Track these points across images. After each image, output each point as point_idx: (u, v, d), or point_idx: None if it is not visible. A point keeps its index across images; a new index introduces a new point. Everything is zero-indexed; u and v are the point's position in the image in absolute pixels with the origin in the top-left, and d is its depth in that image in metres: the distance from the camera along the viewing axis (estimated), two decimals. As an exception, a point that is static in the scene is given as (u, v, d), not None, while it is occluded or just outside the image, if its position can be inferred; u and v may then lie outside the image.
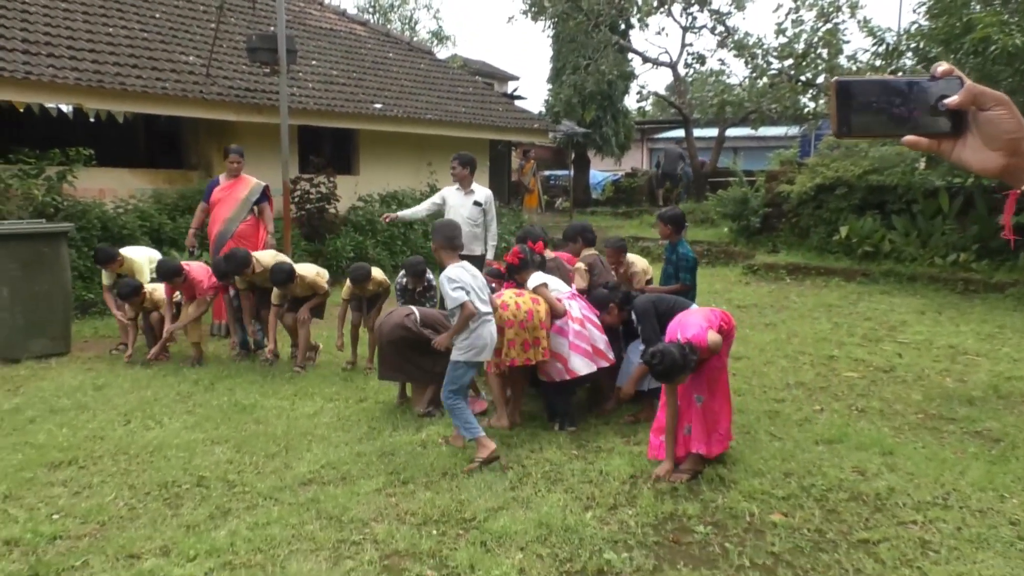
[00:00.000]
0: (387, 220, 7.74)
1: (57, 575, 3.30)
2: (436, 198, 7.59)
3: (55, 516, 3.85)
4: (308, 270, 6.96)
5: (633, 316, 5.14)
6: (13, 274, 7.04)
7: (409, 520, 3.81)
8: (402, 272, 6.43)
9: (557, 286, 5.30)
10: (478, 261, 7.37)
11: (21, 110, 8.80)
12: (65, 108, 8.97)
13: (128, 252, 7.47)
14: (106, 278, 7.35)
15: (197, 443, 4.87)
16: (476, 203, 7.26)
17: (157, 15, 12.16)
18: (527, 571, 3.33)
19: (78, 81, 9.11)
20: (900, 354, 7.20)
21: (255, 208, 8.19)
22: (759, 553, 3.53)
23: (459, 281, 4.54)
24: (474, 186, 7.35)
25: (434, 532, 3.69)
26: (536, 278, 5.20)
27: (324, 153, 13.01)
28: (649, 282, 6.75)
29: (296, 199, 11.53)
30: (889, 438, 4.97)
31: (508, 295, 5.15)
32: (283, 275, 6.51)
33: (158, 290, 7.04)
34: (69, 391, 6.01)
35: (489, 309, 4.72)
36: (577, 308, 5.24)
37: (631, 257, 6.45)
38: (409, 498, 4.07)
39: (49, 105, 8.85)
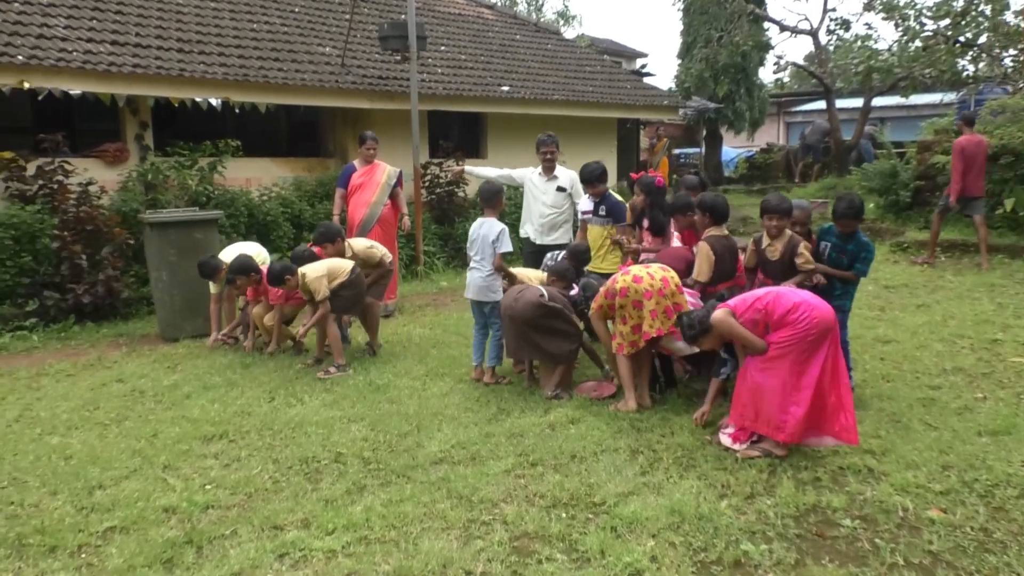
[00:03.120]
0: (456, 172, 8.48)
1: (209, 542, 3.49)
2: (515, 173, 7.40)
3: (208, 487, 4.09)
4: (359, 244, 6.91)
5: None
6: (171, 259, 7.56)
7: (538, 502, 3.79)
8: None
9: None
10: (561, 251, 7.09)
11: (176, 105, 9.40)
12: (215, 102, 9.48)
13: (226, 256, 7.18)
14: (213, 288, 7.21)
15: (335, 420, 5.04)
16: (560, 188, 7.03)
17: (296, 9, 12.68)
18: (659, 559, 3.23)
19: (225, 76, 9.65)
20: (1076, 338, 6.51)
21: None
22: (914, 551, 3.27)
23: (469, 234, 5.96)
24: (558, 170, 7.12)
25: (563, 515, 3.65)
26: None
27: (453, 137, 13.19)
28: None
29: (426, 183, 11.76)
30: (1065, 431, 4.50)
31: (637, 268, 5.04)
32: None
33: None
34: (220, 369, 6.39)
35: (476, 259, 5.86)
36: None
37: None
38: (538, 480, 4.05)
39: (200, 99, 9.39)
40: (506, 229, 5.80)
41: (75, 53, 8.56)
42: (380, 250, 6.93)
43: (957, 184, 10.02)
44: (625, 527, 3.50)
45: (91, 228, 8.19)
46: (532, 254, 7.10)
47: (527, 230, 7.31)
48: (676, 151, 24.33)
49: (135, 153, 9.70)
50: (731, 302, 4.43)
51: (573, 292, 5.67)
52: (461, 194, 12.17)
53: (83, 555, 3.43)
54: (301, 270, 6.21)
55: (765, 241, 5.17)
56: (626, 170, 16.48)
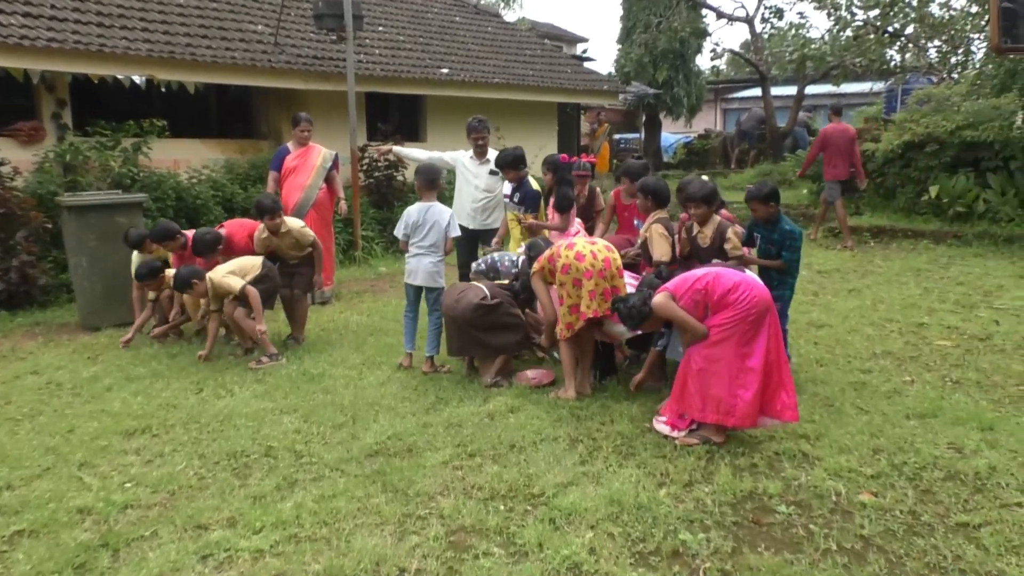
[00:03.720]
0: (382, 152, 8.60)
1: (127, 544, 3.31)
2: (447, 156, 7.31)
3: (127, 485, 3.89)
4: (294, 223, 6.55)
5: None
6: (91, 244, 7.21)
7: (476, 495, 3.71)
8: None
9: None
10: (493, 236, 7.04)
11: (96, 82, 8.95)
12: (138, 80, 9.05)
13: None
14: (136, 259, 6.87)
15: (266, 412, 4.87)
16: (493, 172, 6.95)
17: (226, -15, 12.20)
18: (598, 551, 3.18)
19: (150, 53, 9.22)
20: (997, 321, 6.73)
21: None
22: (847, 536, 3.30)
23: (406, 217, 5.78)
24: (490, 153, 7.04)
25: (501, 508, 3.57)
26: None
27: (392, 120, 12.94)
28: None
29: (364, 167, 11.51)
30: (988, 412, 4.63)
31: (581, 244, 4.96)
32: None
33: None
34: (145, 359, 6.12)
35: (423, 245, 5.71)
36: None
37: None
38: (476, 471, 3.97)
39: (122, 77, 8.95)
40: (453, 213, 5.85)
41: (-16, 25, 8.05)
42: (311, 234, 6.64)
43: (828, 168, 10.99)
44: (564, 519, 3.45)
45: (3, 211, 7.75)
46: (466, 240, 6.94)
47: (459, 215, 7.16)
48: (616, 136, 24.48)
49: (52, 132, 9.20)
50: (669, 284, 4.40)
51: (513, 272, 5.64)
52: (400, 178, 11.94)
53: (-12, 562, 3.21)
54: (208, 275, 5.97)
55: (695, 228, 5.16)
56: (567, 153, 16.47)
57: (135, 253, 6.90)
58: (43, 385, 5.58)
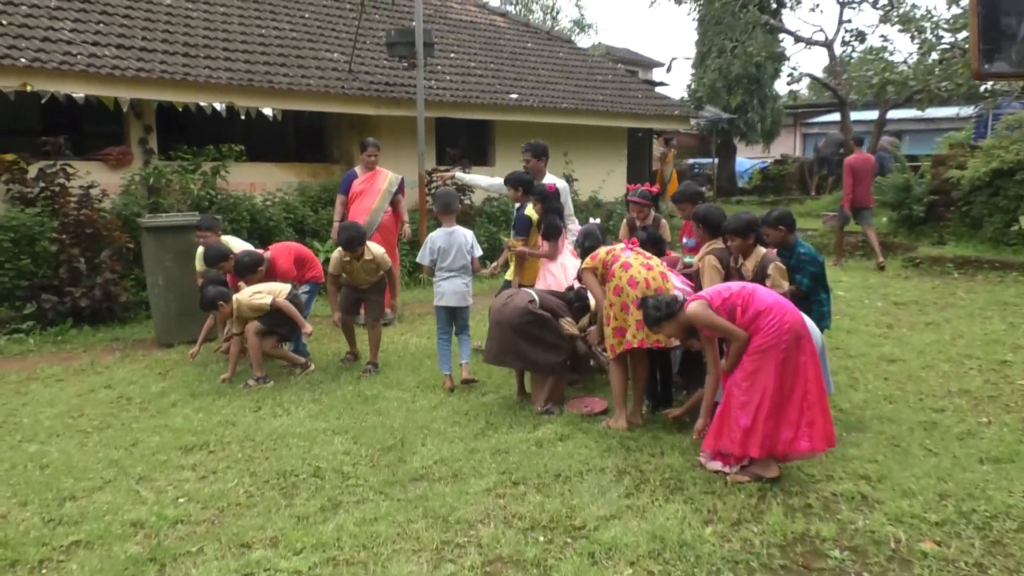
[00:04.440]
0: (444, 179, 8.56)
1: (173, 560, 3.39)
2: (497, 181, 7.31)
3: (180, 500, 4.00)
4: (378, 249, 6.44)
5: None
6: (167, 264, 7.51)
7: (516, 524, 3.66)
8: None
9: None
10: None
11: (180, 109, 9.38)
12: (218, 107, 9.46)
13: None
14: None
15: (318, 432, 4.94)
16: None
17: (306, 15, 12.67)
18: (635, 589, 3.10)
19: (230, 80, 9.62)
20: (1089, 361, 6.31)
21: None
22: (904, 587, 3.11)
23: (431, 243, 6.00)
24: (548, 177, 7.04)
25: (541, 539, 3.52)
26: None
27: (461, 145, 13.12)
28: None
29: (432, 191, 11.66)
30: (1072, 459, 4.32)
31: (636, 267, 4.84)
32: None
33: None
34: (211, 376, 6.31)
35: (453, 268, 5.93)
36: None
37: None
38: (519, 500, 3.92)
39: (204, 104, 9.36)
40: (473, 234, 6.17)
41: (79, 56, 8.55)
42: (390, 260, 6.60)
43: (848, 196, 11.58)
44: (603, 553, 3.37)
45: (91, 231, 8.17)
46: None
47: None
48: (690, 161, 24.22)
49: (139, 157, 9.69)
50: (704, 293, 4.26)
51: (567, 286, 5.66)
52: (467, 202, 12.08)
53: (44, 570, 3.33)
54: (236, 297, 6.09)
55: (740, 260, 5.02)
56: (637, 179, 16.35)
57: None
58: (115, 399, 5.81)
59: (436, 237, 6.03)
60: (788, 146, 30.57)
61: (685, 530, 3.54)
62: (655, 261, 5.04)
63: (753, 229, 4.90)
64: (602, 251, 5.07)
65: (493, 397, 5.71)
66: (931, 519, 3.64)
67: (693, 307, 4.19)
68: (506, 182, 6.84)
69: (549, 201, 6.37)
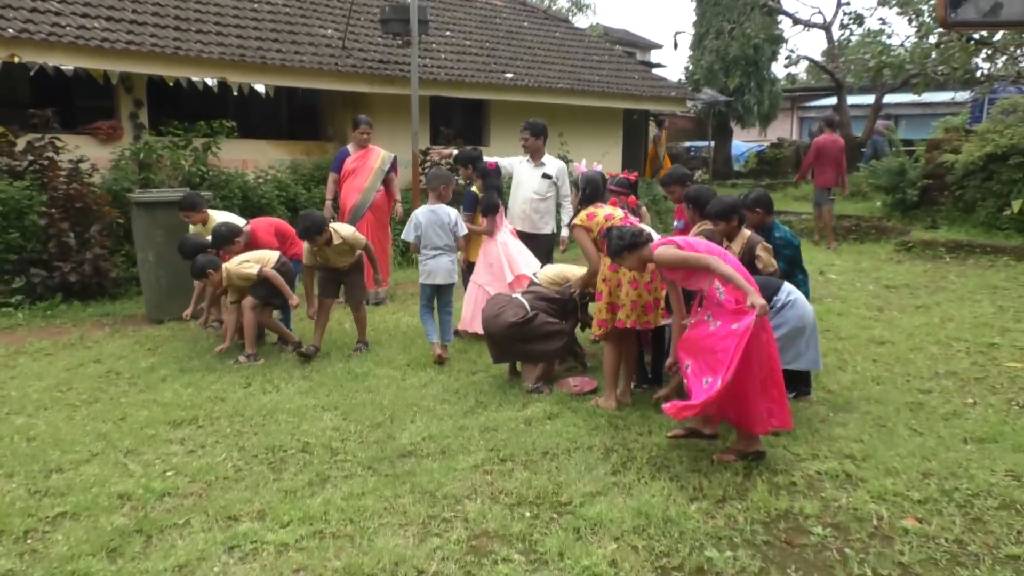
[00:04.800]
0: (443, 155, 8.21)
1: (159, 531, 3.40)
2: (503, 162, 7.24)
3: (168, 473, 4.00)
4: (346, 229, 6.25)
5: None
6: (158, 240, 7.47)
7: (503, 500, 3.68)
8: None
9: None
10: (547, 240, 7.09)
11: (171, 84, 9.29)
12: (210, 82, 9.37)
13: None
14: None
15: (308, 409, 4.95)
16: (545, 175, 6.93)
17: (300, -10, 12.53)
18: (619, 563, 3.12)
19: (222, 56, 9.53)
20: (1077, 345, 6.35)
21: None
22: (884, 562, 3.14)
23: (414, 220, 6.06)
24: (546, 158, 7.01)
25: (527, 514, 3.54)
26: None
27: (455, 124, 13.05)
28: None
29: (426, 170, 11.61)
30: (1055, 440, 4.35)
31: None
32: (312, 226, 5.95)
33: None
34: (200, 352, 6.31)
35: (438, 246, 6.01)
36: None
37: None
38: (506, 477, 3.94)
39: (195, 79, 9.28)
40: (458, 213, 6.23)
41: (68, 28, 8.46)
42: (363, 237, 6.46)
43: (819, 176, 12.04)
44: (588, 528, 3.39)
45: (80, 206, 8.12)
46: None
47: (512, 218, 7.16)
48: (686, 144, 24.15)
49: (129, 131, 9.62)
50: (675, 239, 4.23)
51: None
52: (462, 181, 12.00)
53: (28, 541, 3.34)
54: (224, 266, 6.03)
55: (724, 242, 5.01)
56: (632, 160, 16.34)
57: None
58: (103, 373, 5.80)
59: (419, 215, 6.11)
60: (785, 130, 30.49)
61: (670, 507, 3.56)
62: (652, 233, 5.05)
63: (736, 211, 4.89)
64: (600, 214, 5.05)
65: (483, 376, 5.72)
66: (914, 497, 3.68)
67: (662, 250, 4.15)
68: (455, 161, 7.06)
69: (488, 178, 6.59)
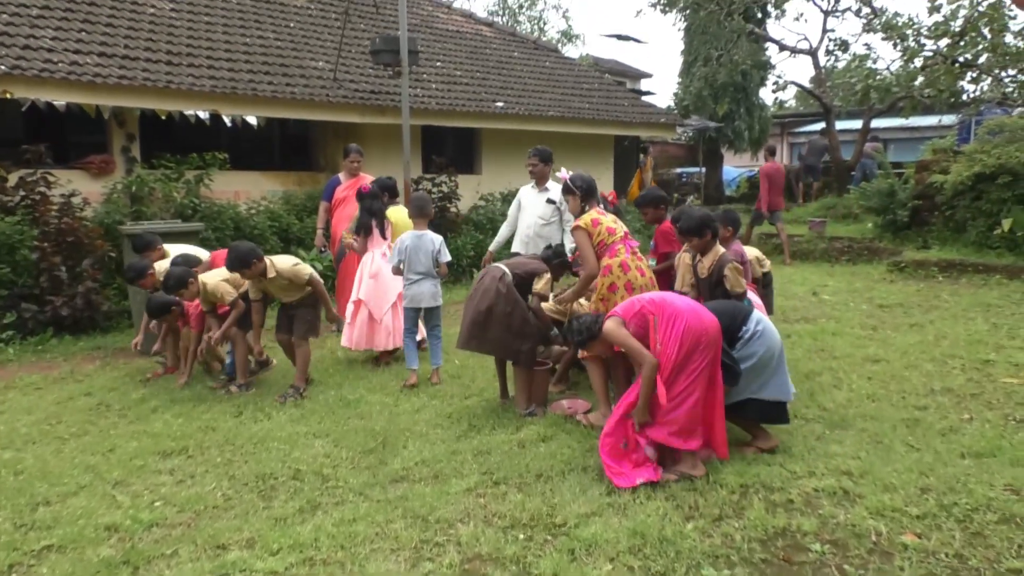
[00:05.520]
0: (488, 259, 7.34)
1: (147, 562, 3.34)
2: (513, 205, 7.35)
3: (156, 504, 3.95)
4: (284, 262, 5.87)
5: None
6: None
7: (496, 523, 3.63)
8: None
9: None
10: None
11: (163, 117, 9.34)
12: (203, 115, 9.42)
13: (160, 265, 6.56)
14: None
15: (299, 436, 4.90)
16: (549, 200, 6.99)
17: (291, 24, 12.68)
18: (614, 585, 3.07)
19: (213, 88, 9.60)
20: (1071, 359, 6.33)
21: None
22: (884, 579, 3.09)
23: (401, 244, 6.18)
24: (549, 183, 7.09)
25: (521, 536, 3.48)
26: None
27: (447, 153, 13.12)
28: (768, 276, 6.31)
29: (418, 198, 11.66)
30: (1053, 453, 4.32)
31: (634, 272, 4.91)
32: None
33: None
34: (193, 383, 6.25)
35: (420, 272, 6.14)
36: None
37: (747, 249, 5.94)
38: (500, 500, 3.89)
39: (187, 112, 9.33)
40: (443, 240, 6.34)
41: (60, 64, 8.51)
42: (307, 268, 5.94)
43: (765, 200, 12.82)
44: (583, 550, 3.34)
45: (72, 240, 8.11)
46: None
47: (515, 245, 7.21)
48: (678, 170, 24.30)
49: (121, 165, 9.64)
50: (618, 309, 4.32)
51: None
52: (454, 209, 12.07)
53: (13, 574, 3.28)
54: (201, 278, 5.88)
55: (698, 257, 5.02)
56: (623, 187, 16.41)
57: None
58: (94, 406, 5.75)
59: (406, 240, 6.20)
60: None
61: (666, 526, 3.51)
62: (645, 265, 5.07)
63: (707, 225, 4.90)
64: (605, 223, 5.02)
65: (477, 400, 5.68)
66: (912, 512, 3.63)
67: (608, 325, 4.25)
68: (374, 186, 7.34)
69: (363, 201, 7.01)
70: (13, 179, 8.30)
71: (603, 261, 4.95)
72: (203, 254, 6.87)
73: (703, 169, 23.28)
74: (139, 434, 5.03)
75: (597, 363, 4.88)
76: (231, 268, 5.70)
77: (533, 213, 7.06)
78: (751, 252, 6.03)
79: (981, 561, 3.21)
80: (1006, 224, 10.95)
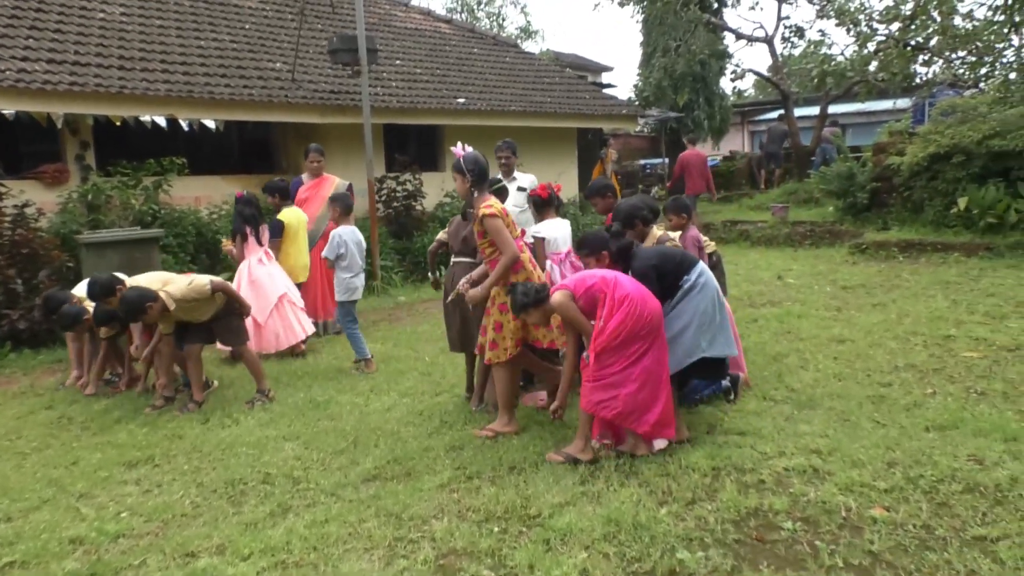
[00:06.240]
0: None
1: (115, 574, 3.27)
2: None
3: (122, 514, 3.87)
4: (177, 288, 5.39)
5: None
6: (109, 280, 7.28)
7: (470, 517, 3.61)
8: None
9: (560, 244, 5.54)
10: (531, 249, 7.15)
11: (118, 123, 9.15)
12: (160, 120, 9.26)
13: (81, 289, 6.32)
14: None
15: (268, 440, 4.84)
16: (520, 188, 7.02)
17: (247, 26, 12.51)
18: (590, 572, 3.06)
19: (168, 92, 9.43)
20: (1029, 331, 6.47)
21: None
22: (855, 552, 3.13)
23: (337, 238, 6.48)
24: (516, 172, 7.11)
25: (495, 529, 3.47)
26: (545, 227, 5.48)
27: (411, 151, 13.05)
28: (715, 256, 6.37)
29: (383, 197, 11.59)
30: (1013, 423, 4.40)
31: (527, 259, 4.85)
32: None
33: None
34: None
35: (359, 265, 6.57)
36: (558, 273, 5.35)
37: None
38: (473, 494, 3.87)
39: (144, 118, 9.16)
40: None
41: (8, 72, 8.30)
42: (204, 279, 5.51)
43: (674, 180, 14.51)
44: (558, 539, 3.33)
45: (27, 251, 7.93)
46: None
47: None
48: (641, 162, 24.42)
49: (76, 173, 9.44)
50: (568, 282, 4.33)
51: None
52: (419, 207, 12.00)
53: (-25, 593, 3.19)
54: (162, 291, 5.32)
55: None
56: (588, 181, 16.45)
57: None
58: (55, 419, 5.63)
59: (344, 234, 6.53)
60: (737, 143, 31.02)
61: (640, 512, 3.52)
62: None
63: (636, 215, 5.03)
64: (495, 202, 4.84)
65: (448, 396, 5.66)
66: (880, 487, 3.68)
67: (557, 296, 4.25)
68: (264, 191, 7.67)
69: (237, 206, 7.22)
70: (-37, 192, 8.08)
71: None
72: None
73: (666, 160, 23.41)
74: (103, 445, 4.93)
75: (508, 369, 4.76)
76: (129, 319, 5.61)
77: (509, 203, 7.05)
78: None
79: (947, 530, 3.26)
80: (962, 203, 11.15)
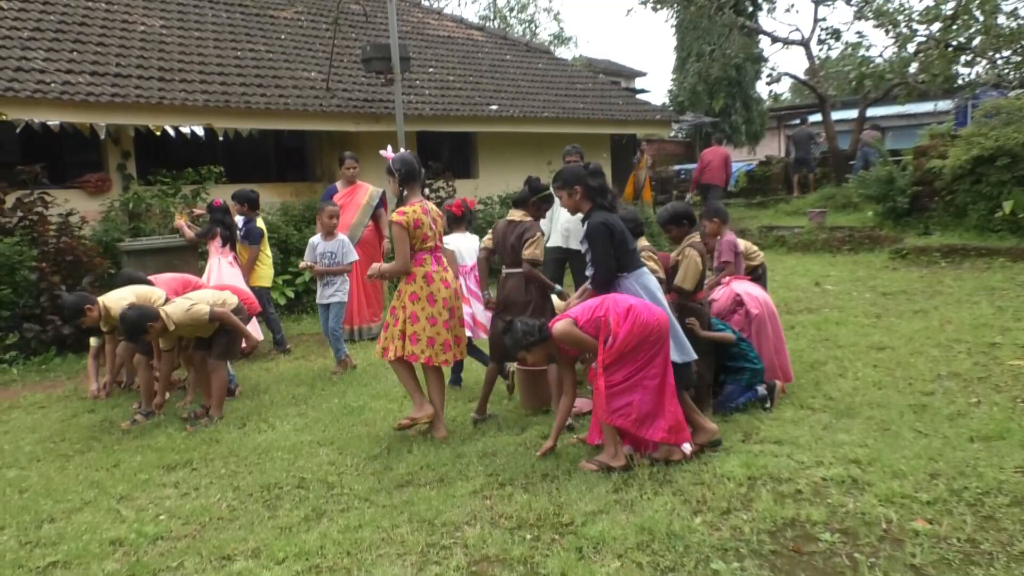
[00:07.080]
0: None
1: (152, 575, 3.32)
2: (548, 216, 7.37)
3: (161, 517, 3.93)
4: (177, 311, 5.42)
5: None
6: (148, 287, 7.43)
7: (503, 524, 3.60)
8: None
9: (466, 257, 5.89)
10: (581, 256, 7.12)
11: (158, 133, 9.34)
12: (198, 130, 9.43)
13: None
14: (94, 340, 6.51)
15: (304, 445, 4.88)
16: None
17: (282, 36, 12.69)
18: (623, 581, 3.04)
19: (207, 102, 9.61)
20: (1078, 339, 6.29)
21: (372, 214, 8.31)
22: (895, 565, 3.06)
23: (311, 246, 7.01)
24: None
25: (528, 537, 3.46)
26: (453, 240, 5.76)
27: (444, 158, 13.11)
28: (760, 269, 6.31)
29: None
30: (1062, 434, 4.28)
31: (438, 276, 4.86)
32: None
33: None
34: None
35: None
36: (464, 287, 5.67)
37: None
38: (506, 501, 3.86)
39: (184, 130, 9.34)
40: (349, 242, 7.12)
41: (53, 84, 8.53)
42: (204, 309, 5.45)
43: (695, 178, 15.36)
44: (591, 548, 3.31)
45: (71, 259, 8.11)
46: (556, 260, 6.98)
47: (554, 239, 7.10)
48: (676, 167, 24.26)
49: (118, 183, 9.65)
50: (571, 312, 4.27)
51: None
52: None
53: (18, 593, 3.26)
54: (163, 310, 5.35)
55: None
56: (620, 185, 16.38)
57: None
58: (97, 423, 5.74)
59: (315, 242, 6.97)
60: (773, 148, 30.67)
61: (674, 521, 3.48)
62: (451, 276, 5.01)
63: (686, 218, 5.08)
64: (424, 227, 4.76)
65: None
66: (922, 498, 3.59)
67: (559, 326, 4.20)
68: (233, 198, 7.80)
69: (214, 213, 7.48)
70: (10, 200, 8.30)
71: (409, 288, 4.85)
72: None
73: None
74: (143, 449, 5.01)
75: (403, 365, 4.89)
76: (129, 338, 5.54)
77: (565, 209, 7.02)
78: (742, 244, 6.01)
79: (994, 544, 3.17)
80: (1007, 206, 10.90)
